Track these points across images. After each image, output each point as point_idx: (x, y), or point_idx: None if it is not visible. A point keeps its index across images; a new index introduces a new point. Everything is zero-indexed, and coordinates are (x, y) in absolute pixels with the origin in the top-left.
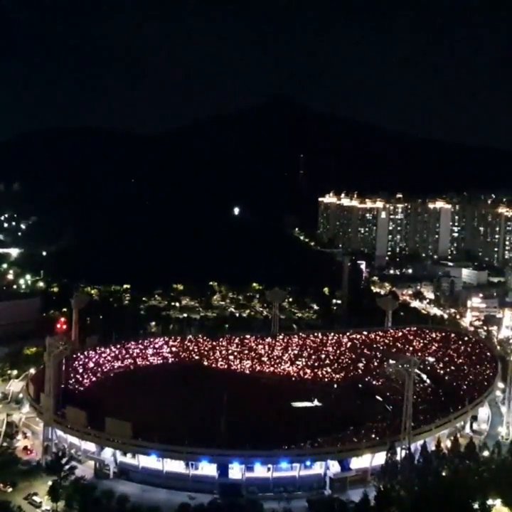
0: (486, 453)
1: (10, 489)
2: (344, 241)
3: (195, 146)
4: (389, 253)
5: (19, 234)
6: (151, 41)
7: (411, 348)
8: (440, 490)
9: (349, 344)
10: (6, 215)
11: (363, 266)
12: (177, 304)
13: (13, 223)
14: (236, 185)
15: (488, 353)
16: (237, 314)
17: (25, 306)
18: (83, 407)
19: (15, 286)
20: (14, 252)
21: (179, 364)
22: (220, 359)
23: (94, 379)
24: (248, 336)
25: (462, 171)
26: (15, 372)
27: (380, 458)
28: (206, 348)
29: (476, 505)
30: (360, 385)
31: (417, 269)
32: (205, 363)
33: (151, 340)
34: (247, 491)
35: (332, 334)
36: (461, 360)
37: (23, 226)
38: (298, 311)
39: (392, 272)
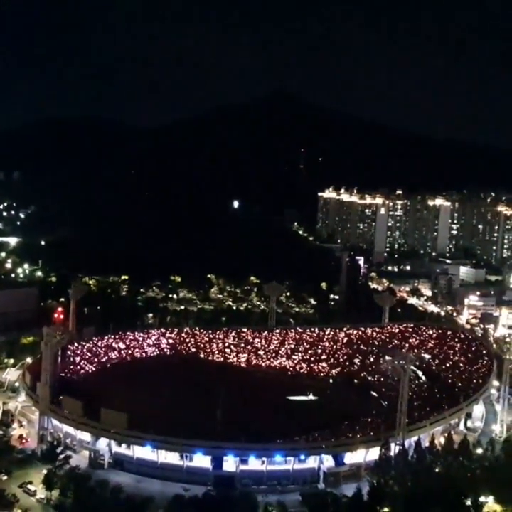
0: (479, 450)
1: (5, 477)
2: (343, 236)
3: (195, 139)
4: (387, 249)
5: (18, 223)
6: (152, 33)
7: (407, 345)
8: (433, 486)
9: (345, 339)
10: (5, 204)
11: (361, 262)
12: (175, 296)
13: (12, 212)
14: (236, 178)
15: (484, 351)
16: (235, 307)
17: (22, 296)
18: (79, 397)
19: (13, 276)
20: (13, 241)
21: (176, 356)
22: (216, 352)
23: (90, 369)
24: (245, 330)
25: (462, 168)
26: (11, 361)
27: (374, 453)
28: (203, 341)
29: (468, 502)
30: (355, 381)
31: (415, 266)
32: (202, 356)
33: (148, 331)
34: (240, 484)
35: (329, 329)
36: (457, 358)
37: (22, 215)
38: (295, 306)
39: (390, 268)
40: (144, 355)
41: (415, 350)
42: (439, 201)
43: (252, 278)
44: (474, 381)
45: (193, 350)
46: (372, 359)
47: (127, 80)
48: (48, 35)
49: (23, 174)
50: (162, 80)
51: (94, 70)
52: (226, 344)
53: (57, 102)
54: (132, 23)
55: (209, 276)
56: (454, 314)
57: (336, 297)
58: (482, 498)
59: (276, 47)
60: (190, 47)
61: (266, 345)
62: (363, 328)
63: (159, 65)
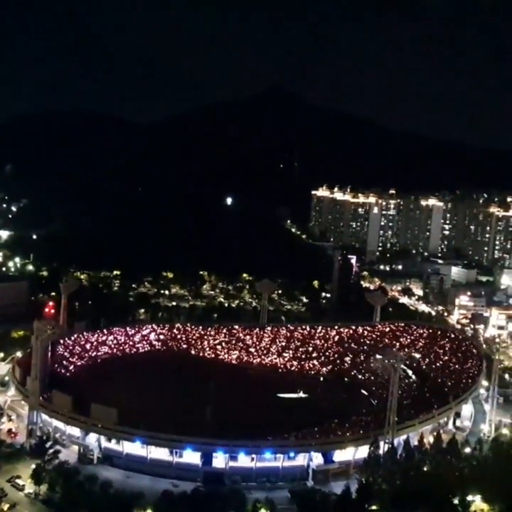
0: (467, 449)
1: None
2: (336, 235)
3: (189, 135)
4: (380, 248)
5: (9, 216)
6: (151, 28)
7: (398, 344)
8: (421, 484)
9: (337, 338)
10: None
11: (353, 260)
12: (166, 292)
13: (4, 205)
14: (229, 175)
15: (474, 351)
16: (226, 304)
17: (13, 289)
18: (69, 392)
19: (4, 269)
20: (4, 234)
21: (167, 352)
22: (207, 348)
23: (81, 364)
24: (236, 327)
25: (455, 169)
26: (1, 355)
27: (363, 451)
28: (194, 337)
29: (456, 501)
30: (346, 379)
31: (407, 266)
32: (193, 352)
33: (140, 327)
34: (230, 480)
35: (320, 327)
36: (446, 357)
37: (13, 208)
38: (287, 303)
39: (382, 267)
40: (135, 350)
41: (406, 350)
42: (431, 201)
43: (244, 275)
44: (464, 381)
45: (185, 346)
46: (362, 358)
47: (124, 74)
48: (45, 29)
49: (16, 167)
50: (159, 76)
51: (90, 64)
52: (217, 341)
53: (51, 95)
54: (131, 17)
55: (201, 272)
56: (445, 314)
57: (328, 295)
58: (469, 497)
59: (274, 44)
60: (188, 42)
61: (257, 343)
62: (354, 327)
63: (157, 60)
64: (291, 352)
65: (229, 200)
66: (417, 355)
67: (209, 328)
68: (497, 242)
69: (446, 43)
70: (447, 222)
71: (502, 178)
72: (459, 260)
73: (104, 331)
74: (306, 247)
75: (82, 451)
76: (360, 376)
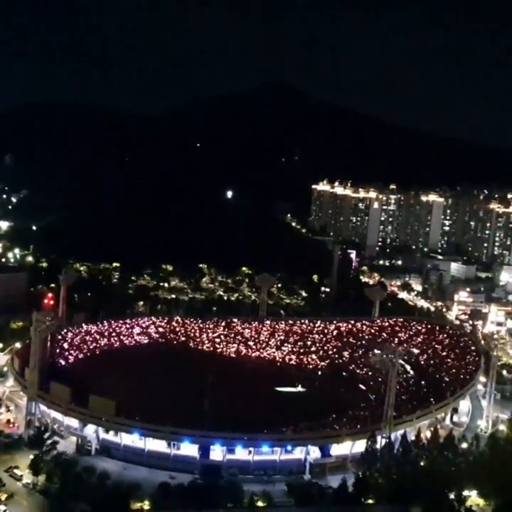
0: (464, 445)
1: None
2: (335, 229)
3: (190, 128)
4: (380, 244)
5: (9, 207)
6: (151, 21)
7: (396, 339)
8: (418, 479)
9: (335, 332)
10: None
11: (353, 255)
12: (166, 285)
13: (4, 196)
14: (230, 168)
15: (472, 347)
16: (226, 298)
17: (13, 280)
18: (68, 383)
19: (3, 260)
20: (4, 225)
21: (165, 345)
22: (206, 341)
23: (79, 356)
24: (235, 320)
25: (456, 165)
26: (0, 345)
27: (360, 445)
28: (193, 330)
29: (451, 496)
30: (344, 373)
31: (407, 261)
32: (192, 345)
33: (138, 319)
34: (227, 473)
35: (319, 322)
36: (445, 353)
37: (13, 199)
38: (286, 297)
39: (381, 262)
40: (133, 343)
41: (404, 345)
42: (432, 197)
43: (243, 269)
44: (461, 376)
45: (183, 339)
46: (361, 352)
47: (125, 67)
48: (47, 20)
49: (16, 158)
50: (161, 68)
51: (92, 55)
52: (216, 334)
53: (52, 86)
54: (132, 12)
55: (201, 265)
56: (444, 310)
57: (327, 290)
58: (466, 492)
59: (276, 38)
60: (189, 35)
61: (256, 336)
62: (352, 322)
63: (159, 52)
64: (289, 346)
65: (229, 194)
66: (416, 351)
67: (208, 322)
68: (497, 239)
69: (448, 41)
70: (447, 218)
71: (502, 175)
72: (459, 256)
73: (103, 322)
74: (305, 242)
75: (80, 442)
76: (358, 371)
